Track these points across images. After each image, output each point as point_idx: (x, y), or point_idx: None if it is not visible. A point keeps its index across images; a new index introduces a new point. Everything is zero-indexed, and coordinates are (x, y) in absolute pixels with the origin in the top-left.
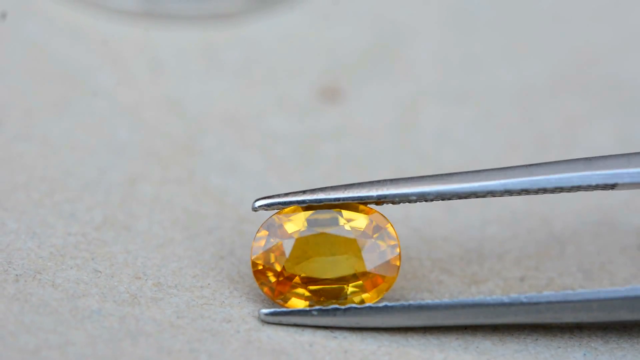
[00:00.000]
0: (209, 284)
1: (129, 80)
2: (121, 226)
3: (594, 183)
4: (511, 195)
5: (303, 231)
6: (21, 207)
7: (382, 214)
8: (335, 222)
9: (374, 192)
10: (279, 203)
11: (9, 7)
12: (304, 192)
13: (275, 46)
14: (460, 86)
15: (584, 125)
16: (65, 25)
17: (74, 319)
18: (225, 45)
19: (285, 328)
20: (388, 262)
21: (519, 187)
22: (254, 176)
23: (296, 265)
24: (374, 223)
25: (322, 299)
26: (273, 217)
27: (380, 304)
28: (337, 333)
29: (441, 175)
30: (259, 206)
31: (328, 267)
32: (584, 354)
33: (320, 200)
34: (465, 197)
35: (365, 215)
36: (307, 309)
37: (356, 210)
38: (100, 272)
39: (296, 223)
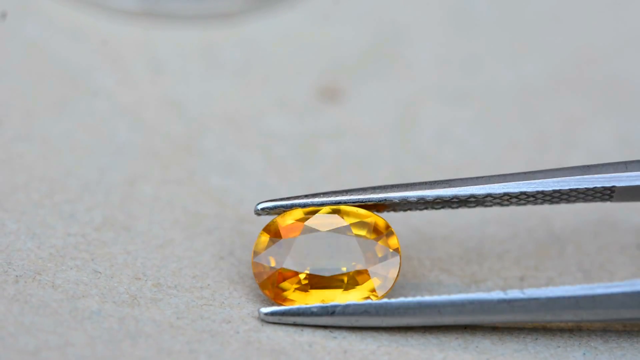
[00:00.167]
0: (208, 285)
1: (129, 80)
2: (121, 227)
3: (591, 186)
4: (510, 199)
5: (304, 233)
6: (21, 208)
7: (382, 217)
8: (336, 225)
9: (375, 195)
10: (282, 206)
11: (9, 7)
12: (306, 195)
13: (275, 46)
14: (460, 86)
15: (584, 125)
16: (65, 25)
17: (73, 320)
18: (225, 45)
19: (284, 328)
20: (388, 263)
21: (517, 189)
22: (254, 176)
23: (297, 267)
24: (375, 225)
25: (322, 300)
26: (275, 219)
27: (380, 302)
28: (337, 333)
29: (440, 181)
30: (262, 209)
31: (329, 269)
32: (584, 354)
33: (322, 203)
34: (465, 200)
35: (366, 218)
36: (307, 306)
37: (357, 213)
38: (100, 272)
39: (297, 225)
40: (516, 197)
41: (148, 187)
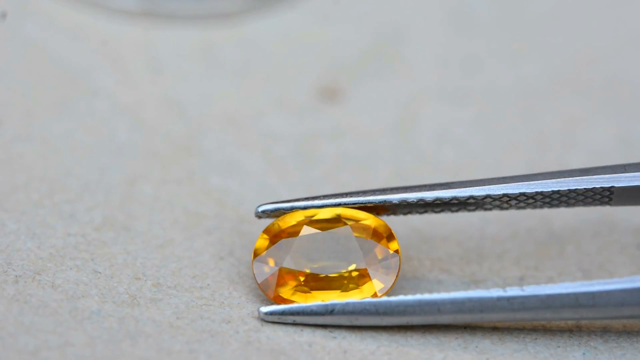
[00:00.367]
0: (208, 285)
1: (129, 80)
2: (121, 227)
3: (590, 186)
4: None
5: (304, 234)
6: (21, 208)
7: (382, 219)
8: (336, 227)
9: (375, 197)
10: (282, 209)
11: (9, 7)
12: (307, 198)
13: (275, 46)
14: (460, 86)
15: (584, 125)
16: (65, 25)
17: (73, 320)
18: (225, 45)
19: (284, 328)
20: (388, 264)
21: (516, 190)
22: (254, 176)
23: (297, 267)
24: (375, 227)
25: (322, 301)
26: (275, 220)
27: (379, 300)
28: (337, 333)
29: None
30: (262, 212)
31: (329, 270)
32: (584, 353)
33: (322, 206)
34: (464, 201)
35: (366, 220)
36: (307, 305)
37: (357, 215)
38: (99, 272)
39: (298, 226)
40: (515, 198)
41: (148, 187)
